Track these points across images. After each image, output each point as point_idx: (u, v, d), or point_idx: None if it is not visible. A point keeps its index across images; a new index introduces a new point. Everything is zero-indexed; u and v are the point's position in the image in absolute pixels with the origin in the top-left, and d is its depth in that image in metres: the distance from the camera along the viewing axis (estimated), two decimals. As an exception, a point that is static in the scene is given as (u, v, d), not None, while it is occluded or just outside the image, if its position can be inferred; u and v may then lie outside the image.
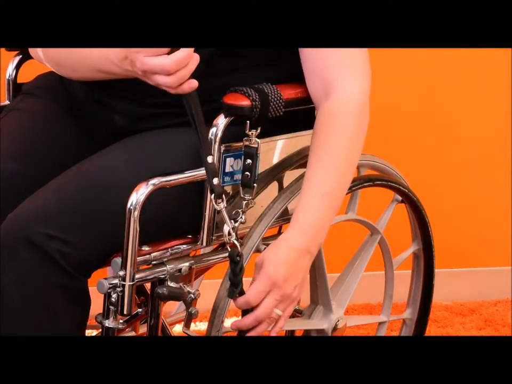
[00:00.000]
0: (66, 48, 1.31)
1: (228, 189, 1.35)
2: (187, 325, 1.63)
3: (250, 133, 1.31)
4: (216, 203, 1.26)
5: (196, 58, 1.21)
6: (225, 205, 1.27)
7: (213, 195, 1.26)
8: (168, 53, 1.19)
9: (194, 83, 1.22)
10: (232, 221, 1.28)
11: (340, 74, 1.33)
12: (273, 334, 1.29)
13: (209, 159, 1.25)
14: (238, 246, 1.27)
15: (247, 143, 1.32)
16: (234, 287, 1.26)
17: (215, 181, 1.25)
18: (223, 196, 1.27)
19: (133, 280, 1.24)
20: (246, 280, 1.35)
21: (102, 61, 1.28)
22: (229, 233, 1.28)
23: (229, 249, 1.27)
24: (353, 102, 1.33)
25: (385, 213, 1.55)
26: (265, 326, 1.28)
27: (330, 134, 1.32)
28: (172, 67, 1.19)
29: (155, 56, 1.19)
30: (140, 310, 1.46)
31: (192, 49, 1.20)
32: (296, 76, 1.37)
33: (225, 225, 1.27)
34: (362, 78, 1.34)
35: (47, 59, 1.39)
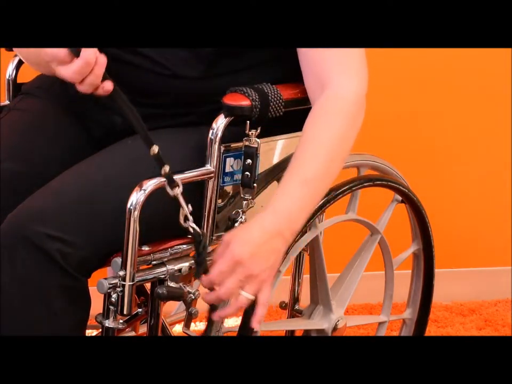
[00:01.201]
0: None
1: (228, 189, 1.35)
2: (187, 325, 1.63)
3: (250, 133, 1.31)
4: (171, 188, 1.23)
5: (102, 61, 1.17)
6: (181, 191, 1.23)
7: (166, 181, 1.23)
8: (70, 54, 1.16)
9: (108, 86, 1.18)
10: (189, 205, 1.24)
11: (335, 72, 1.32)
12: (255, 325, 1.24)
13: (155, 148, 1.21)
14: (198, 229, 1.25)
15: (247, 143, 1.32)
16: (198, 266, 1.24)
17: (167, 168, 1.22)
18: (180, 182, 1.23)
19: (133, 280, 1.24)
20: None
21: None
22: (186, 219, 1.24)
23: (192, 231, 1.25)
24: (347, 98, 1.32)
25: (385, 213, 1.55)
26: (232, 308, 1.23)
27: (320, 126, 1.31)
28: (75, 78, 1.16)
29: (61, 66, 1.16)
30: (140, 310, 1.46)
31: (93, 52, 1.16)
32: (296, 76, 1.37)
33: (181, 209, 1.24)
34: (358, 77, 1.34)
35: (22, 57, 1.42)
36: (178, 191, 1.23)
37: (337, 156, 1.30)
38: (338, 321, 1.49)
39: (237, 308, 1.23)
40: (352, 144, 1.33)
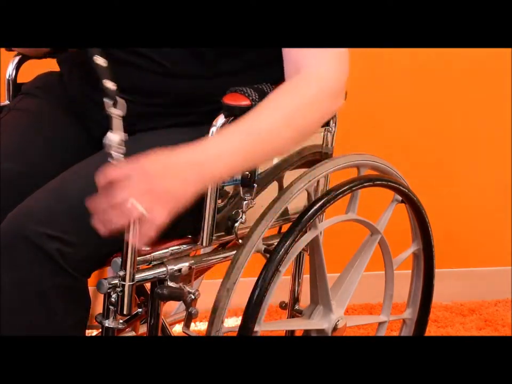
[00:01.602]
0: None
1: (228, 189, 1.35)
2: (187, 325, 1.63)
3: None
4: (107, 107, 1.18)
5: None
6: (121, 113, 1.19)
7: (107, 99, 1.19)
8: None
9: None
10: (122, 133, 1.17)
11: (315, 60, 1.29)
12: (139, 245, 1.17)
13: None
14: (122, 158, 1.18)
15: None
16: None
17: (108, 83, 1.18)
18: (123, 103, 1.18)
19: (132, 280, 1.24)
20: (246, 281, 1.36)
21: None
22: (119, 145, 1.18)
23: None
24: (321, 81, 1.28)
25: (385, 213, 1.55)
26: (120, 217, 1.13)
27: (285, 93, 1.27)
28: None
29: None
30: (140, 310, 1.46)
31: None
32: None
33: (110, 134, 1.17)
34: (337, 68, 1.31)
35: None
36: (115, 111, 1.17)
37: (289, 126, 1.25)
38: (338, 321, 1.48)
39: (125, 217, 1.13)
40: (311, 126, 1.29)
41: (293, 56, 1.31)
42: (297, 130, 1.27)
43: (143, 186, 1.13)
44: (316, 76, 1.29)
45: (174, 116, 1.37)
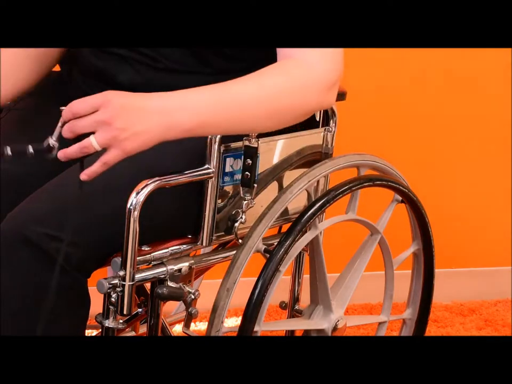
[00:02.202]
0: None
1: (228, 189, 1.35)
2: (187, 325, 1.63)
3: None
4: None
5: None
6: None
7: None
8: None
9: None
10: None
11: (308, 51, 1.27)
12: (83, 176, 1.17)
13: None
14: None
15: (247, 143, 1.32)
16: None
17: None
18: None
19: (132, 280, 1.24)
20: (246, 281, 1.36)
21: None
22: None
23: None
24: (313, 68, 1.25)
25: (385, 213, 1.55)
26: (74, 148, 1.15)
27: (273, 70, 1.25)
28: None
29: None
30: (140, 310, 1.46)
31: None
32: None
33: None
34: (331, 63, 1.28)
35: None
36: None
37: (266, 101, 1.23)
38: (338, 321, 1.48)
39: (79, 149, 1.15)
40: (289, 110, 1.25)
41: (287, 50, 1.29)
42: (274, 108, 1.24)
43: (102, 119, 1.13)
44: (306, 63, 1.26)
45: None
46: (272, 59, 1.33)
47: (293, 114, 1.27)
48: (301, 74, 1.26)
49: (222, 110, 1.20)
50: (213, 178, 1.31)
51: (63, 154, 1.17)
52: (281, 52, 1.30)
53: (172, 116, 1.17)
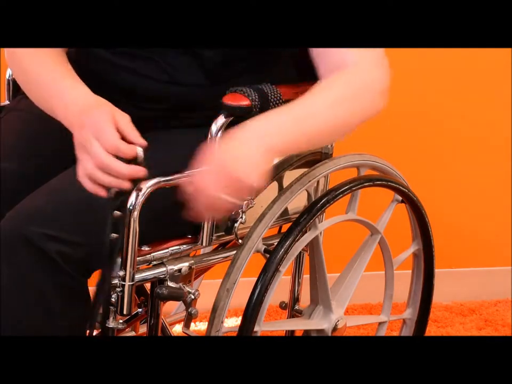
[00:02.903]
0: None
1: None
2: (187, 325, 1.63)
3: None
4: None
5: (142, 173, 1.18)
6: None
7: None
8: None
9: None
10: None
11: (358, 57, 1.29)
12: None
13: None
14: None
15: None
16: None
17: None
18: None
19: (132, 280, 1.24)
20: (246, 281, 1.36)
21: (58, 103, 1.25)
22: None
23: None
24: (368, 75, 1.29)
25: (385, 213, 1.55)
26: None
27: (336, 81, 1.28)
28: (125, 176, 1.17)
29: (114, 158, 1.16)
30: (140, 310, 1.46)
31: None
32: (294, 77, 1.38)
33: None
34: (381, 67, 1.31)
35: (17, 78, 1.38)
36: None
37: (339, 116, 1.27)
38: (338, 321, 1.48)
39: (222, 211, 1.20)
40: (353, 118, 1.30)
41: (333, 55, 1.31)
42: (343, 120, 1.28)
43: (224, 182, 1.16)
44: (362, 70, 1.29)
45: (173, 118, 1.37)
46: (273, 62, 1.34)
47: (355, 120, 1.30)
48: (360, 83, 1.29)
49: (301, 130, 1.24)
50: (213, 178, 1.31)
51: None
52: (331, 59, 1.31)
53: (266, 141, 1.20)
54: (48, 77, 1.30)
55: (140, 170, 1.18)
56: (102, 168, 1.17)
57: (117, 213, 1.20)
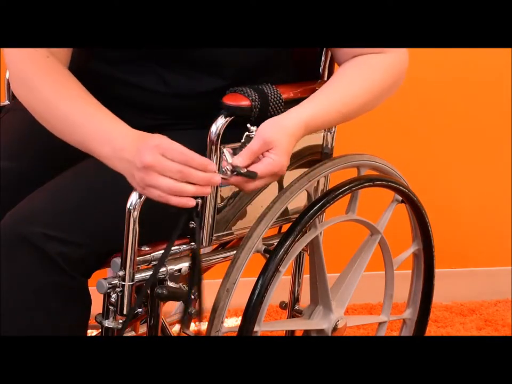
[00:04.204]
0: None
1: (228, 189, 1.35)
2: (187, 325, 1.63)
3: (250, 132, 1.31)
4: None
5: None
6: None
7: None
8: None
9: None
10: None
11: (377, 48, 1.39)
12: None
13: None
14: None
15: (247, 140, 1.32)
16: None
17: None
18: None
19: (132, 280, 1.24)
20: (246, 281, 1.36)
21: (98, 139, 1.22)
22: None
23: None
24: (395, 57, 1.40)
25: (385, 213, 1.55)
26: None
27: (366, 66, 1.38)
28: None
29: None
30: (140, 310, 1.46)
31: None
32: (294, 77, 1.38)
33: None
34: (402, 52, 1.42)
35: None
36: None
37: (378, 93, 1.40)
38: (338, 321, 1.48)
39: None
40: (390, 92, 1.43)
41: (355, 51, 1.39)
42: (378, 96, 1.41)
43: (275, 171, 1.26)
44: (389, 54, 1.39)
45: (174, 125, 1.38)
46: (274, 67, 1.35)
47: (383, 100, 1.44)
48: (399, 66, 1.43)
49: (339, 112, 1.35)
50: (213, 178, 1.31)
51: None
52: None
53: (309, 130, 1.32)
54: (81, 113, 1.25)
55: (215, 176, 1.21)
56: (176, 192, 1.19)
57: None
